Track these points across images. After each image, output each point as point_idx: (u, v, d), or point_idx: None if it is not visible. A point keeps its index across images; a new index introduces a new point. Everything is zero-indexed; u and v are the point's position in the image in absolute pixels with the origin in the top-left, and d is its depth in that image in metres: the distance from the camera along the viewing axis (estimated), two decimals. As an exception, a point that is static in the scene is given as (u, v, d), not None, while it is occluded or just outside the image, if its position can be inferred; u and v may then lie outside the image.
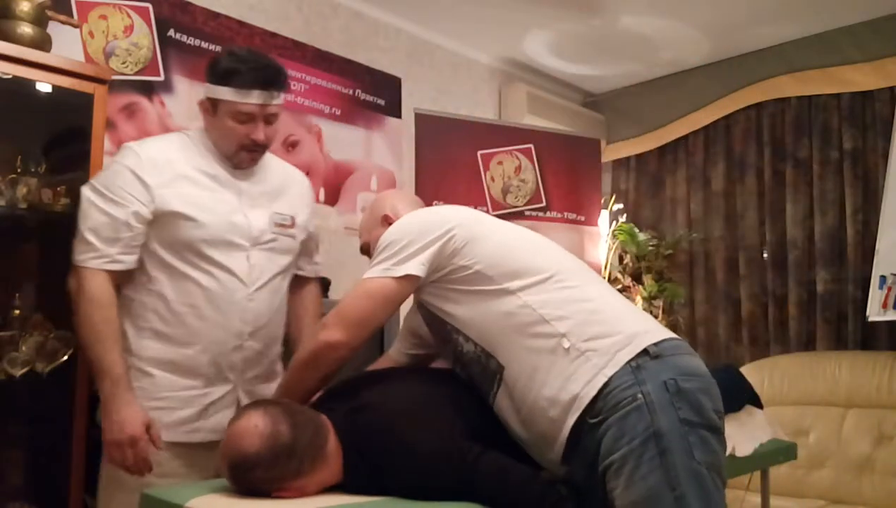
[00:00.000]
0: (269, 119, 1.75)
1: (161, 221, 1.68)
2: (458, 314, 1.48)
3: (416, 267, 1.46)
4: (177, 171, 1.71)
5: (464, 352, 1.49)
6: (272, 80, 1.72)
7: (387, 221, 1.66)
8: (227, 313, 1.71)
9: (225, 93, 1.69)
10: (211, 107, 1.74)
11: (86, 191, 1.69)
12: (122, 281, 1.70)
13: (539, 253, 1.51)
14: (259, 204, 1.79)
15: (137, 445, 1.58)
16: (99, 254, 1.64)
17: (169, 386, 1.68)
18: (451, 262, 1.47)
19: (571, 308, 1.41)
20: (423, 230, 1.48)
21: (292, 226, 1.85)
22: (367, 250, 1.72)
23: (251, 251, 1.75)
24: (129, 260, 1.68)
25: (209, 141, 1.77)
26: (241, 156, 1.76)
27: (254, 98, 1.70)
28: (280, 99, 1.75)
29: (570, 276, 1.47)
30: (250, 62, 1.71)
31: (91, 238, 1.64)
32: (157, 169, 1.69)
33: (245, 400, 1.74)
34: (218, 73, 1.71)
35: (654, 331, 1.41)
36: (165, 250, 1.69)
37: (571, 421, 1.34)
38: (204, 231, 1.69)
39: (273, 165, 1.90)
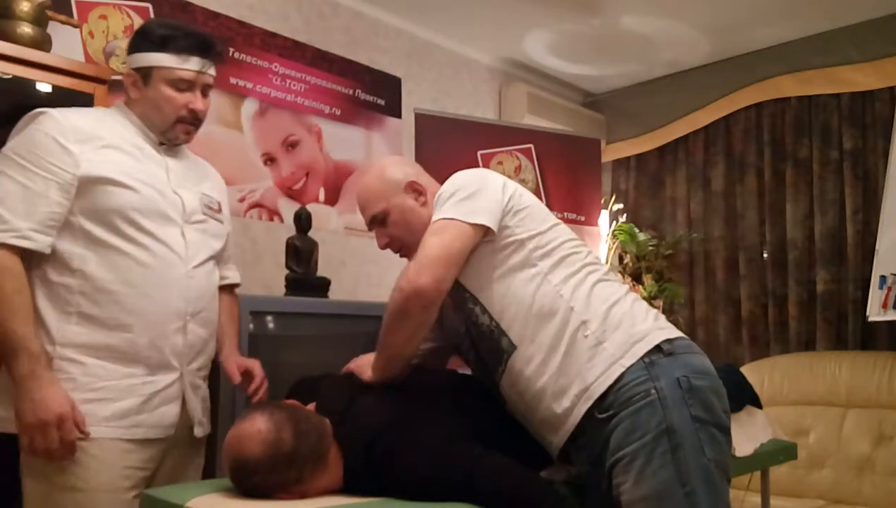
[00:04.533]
0: (205, 90, 1.67)
1: (87, 190, 1.51)
2: (483, 284, 1.46)
3: (488, 217, 1.44)
4: (103, 139, 1.56)
5: (478, 323, 1.47)
6: (209, 47, 1.66)
7: (414, 188, 1.60)
8: (166, 290, 1.57)
9: (162, 59, 1.60)
10: (142, 77, 1.63)
11: None
12: (31, 264, 1.51)
13: (575, 242, 1.51)
14: (185, 184, 1.69)
15: (65, 425, 1.42)
16: (6, 226, 1.44)
17: (105, 374, 1.51)
18: (504, 222, 1.46)
19: (595, 297, 1.42)
20: (489, 183, 1.48)
21: (219, 211, 1.77)
22: (382, 219, 1.61)
23: (185, 227, 1.63)
24: (41, 241, 1.47)
25: (134, 116, 1.65)
26: (177, 130, 1.65)
27: (193, 64, 1.63)
28: (213, 70, 1.68)
29: (596, 272, 1.48)
30: (184, 29, 1.66)
31: None
32: (80, 135, 1.53)
33: (190, 395, 1.64)
34: (152, 40, 1.61)
35: (668, 329, 1.43)
36: (92, 222, 1.52)
37: (583, 409, 1.34)
38: (137, 198, 1.55)
39: (190, 153, 1.80)
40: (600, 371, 1.34)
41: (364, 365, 1.56)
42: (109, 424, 1.51)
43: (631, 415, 1.31)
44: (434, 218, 1.46)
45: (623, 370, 1.33)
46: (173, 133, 1.66)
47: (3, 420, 1.50)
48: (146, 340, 1.54)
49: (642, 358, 1.35)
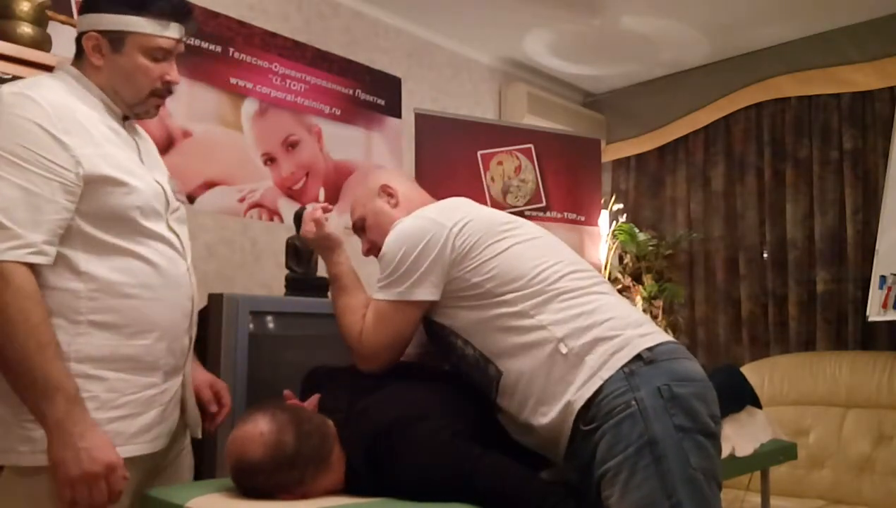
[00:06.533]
0: (176, 59, 1.50)
1: (86, 190, 1.33)
2: (456, 325, 1.48)
3: (429, 291, 1.46)
4: (83, 124, 1.36)
5: (465, 356, 1.48)
6: (188, 11, 1.49)
7: (385, 191, 1.66)
8: (177, 290, 1.46)
9: (140, 24, 1.40)
10: (109, 42, 1.41)
11: None
12: None
13: (542, 259, 1.48)
14: (156, 167, 1.53)
15: (115, 475, 1.28)
16: (20, 241, 1.25)
17: (126, 387, 1.37)
18: (450, 274, 1.46)
19: (570, 313, 1.40)
20: (429, 245, 1.46)
21: (182, 192, 1.63)
22: (361, 226, 1.69)
23: (170, 219, 1.49)
24: (52, 254, 1.30)
25: (94, 86, 1.44)
26: (149, 104, 1.48)
27: (173, 31, 1.45)
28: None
29: (572, 282, 1.46)
30: None
31: (3, 220, 1.24)
32: (66, 121, 1.33)
33: (188, 395, 1.54)
34: (127, 1, 1.41)
35: (651, 335, 1.40)
36: (91, 225, 1.34)
37: (569, 422, 1.34)
38: (136, 197, 1.39)
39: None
40: (580, 384, 1.33)
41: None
42: (137, 441, 1.38)
43: (613, 428, 1.30)
44: (375, 293, 1.51)
45: (602, 382, 1.32)
46: (144, 107, 1.48)
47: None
48: (164, 346, 1.43)
49: (622, 368, 1.33)
